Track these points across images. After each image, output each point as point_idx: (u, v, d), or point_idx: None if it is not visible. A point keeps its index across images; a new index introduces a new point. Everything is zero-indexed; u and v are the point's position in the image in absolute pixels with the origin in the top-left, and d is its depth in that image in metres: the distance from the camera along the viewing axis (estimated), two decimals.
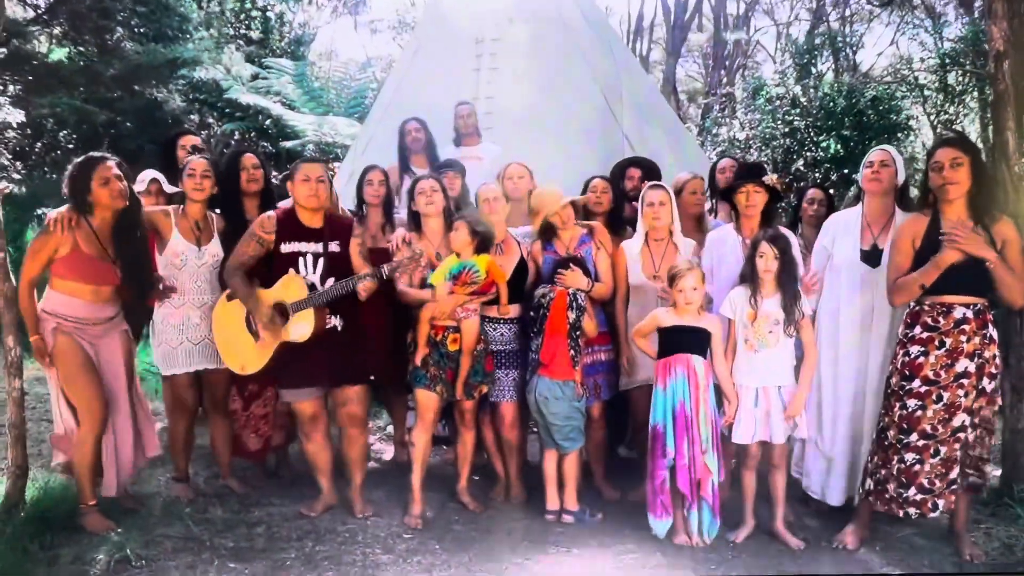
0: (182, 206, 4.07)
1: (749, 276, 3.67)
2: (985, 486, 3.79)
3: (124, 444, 3.79)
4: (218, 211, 4.19)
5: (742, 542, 3.69)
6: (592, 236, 4.22)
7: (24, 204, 10.37)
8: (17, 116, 11.24)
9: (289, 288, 3.66)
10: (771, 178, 3.97)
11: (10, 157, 11.99)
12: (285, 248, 3.75)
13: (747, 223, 3.94)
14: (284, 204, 4.06)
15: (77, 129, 11.29)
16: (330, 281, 3.68)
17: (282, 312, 3.68)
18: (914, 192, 4.09)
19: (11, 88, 11.13)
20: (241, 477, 4.41)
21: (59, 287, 3.66)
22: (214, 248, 4.05)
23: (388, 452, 5.14)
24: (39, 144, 12.35)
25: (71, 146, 11.86)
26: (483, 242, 3.88)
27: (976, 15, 11.54)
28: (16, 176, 11.74)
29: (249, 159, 4.31)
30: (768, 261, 3.60)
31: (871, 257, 3.78)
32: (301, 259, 3.74)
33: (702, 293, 3.70)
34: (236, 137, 12.51)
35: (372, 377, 3.98)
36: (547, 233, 4.18)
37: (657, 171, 4.89)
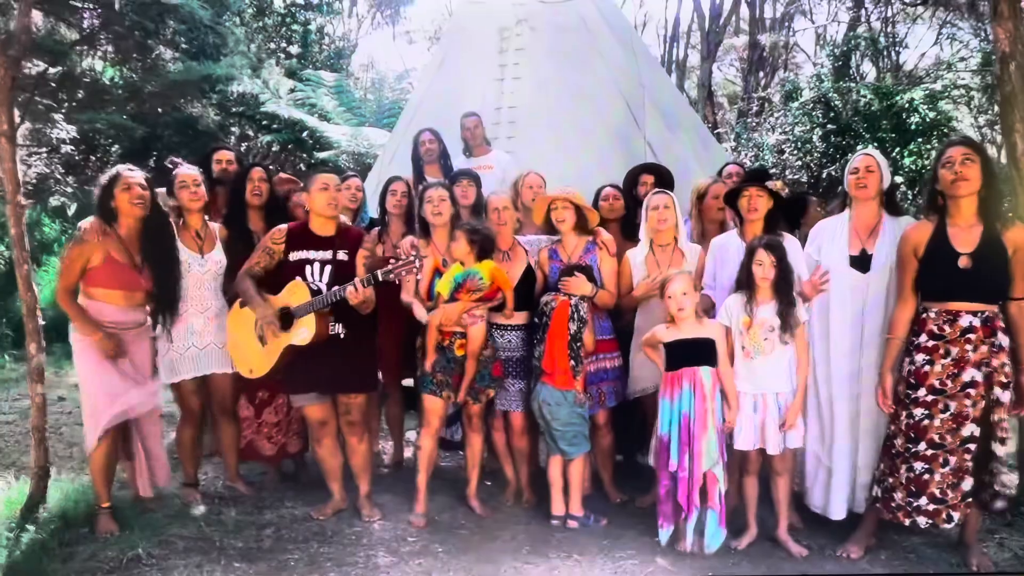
0: (182, 218, 4.18)
1: (745, 283, 3.64)
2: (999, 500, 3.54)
3: (155, 445, 3.99)
4: (220, 222, 4.35)
5: (744, 548, 3.68)
6: (596, 244, 4.22)
7: (74, 217, 10.78)
8: (70, 131, 11.70)
9: (294, 294, 3.77)
10: (775, 183, 3.96)
11: (62, 172, 12.45)
12: (294, 256, 3.86)
13: (749, 228, 3.91)
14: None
15: (122, 143, 11.70)
16: (334, 289, 3.78)
17: (288, 318, 3.79)
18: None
19: (63, 106, 11.61)
20: (256, 480, 4.54)
21: (92, 294, 3.80)
22: (217, 255, 4.18)
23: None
24: (92, 158, 12.80)
25: (119, 160, 12.31)
26: (483, 249, 3.93)
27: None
28: (68, 189, 12.19)
29: (256, 172, 4.46)
30: (765, 268, 3.57)
31: (860, 263, 3.72)
32: (308, 266, 3.84)
33: (694, 299, 3.67)
34: (274, 148, 12.83)
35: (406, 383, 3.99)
36: (549, 225, 4.22)
37: (670, 177, 4.86)
